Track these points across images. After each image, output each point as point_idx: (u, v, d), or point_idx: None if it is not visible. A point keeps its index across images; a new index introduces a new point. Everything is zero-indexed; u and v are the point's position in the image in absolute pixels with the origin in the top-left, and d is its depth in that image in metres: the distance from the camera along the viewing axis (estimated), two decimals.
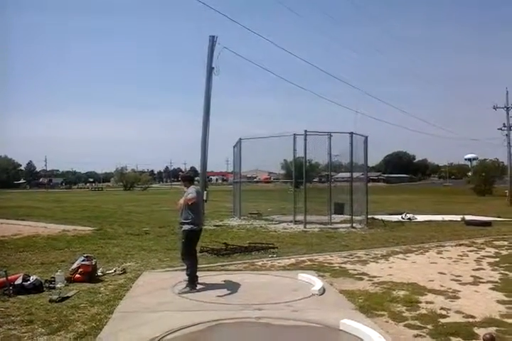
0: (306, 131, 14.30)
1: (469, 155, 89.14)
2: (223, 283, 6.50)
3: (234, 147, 17.49)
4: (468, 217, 15.91)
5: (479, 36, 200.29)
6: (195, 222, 6.26)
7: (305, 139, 14.26)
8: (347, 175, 15.92)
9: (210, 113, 16.02)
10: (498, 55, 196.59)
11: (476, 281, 6.68)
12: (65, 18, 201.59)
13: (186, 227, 6.20)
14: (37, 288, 5.96)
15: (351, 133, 14.59)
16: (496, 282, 6.62)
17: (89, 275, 6.64)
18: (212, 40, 15.86)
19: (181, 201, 6.15)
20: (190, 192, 6.24)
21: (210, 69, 15.56)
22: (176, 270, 7.40)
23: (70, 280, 6.49)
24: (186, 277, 6.21)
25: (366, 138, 15.49)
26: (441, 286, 6.35)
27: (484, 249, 9.86)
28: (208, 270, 7.46)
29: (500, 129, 35.34)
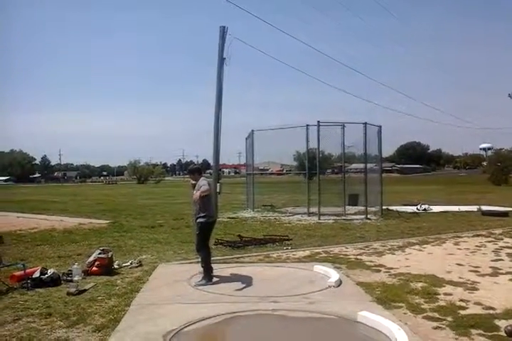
0: (319, 121, 14.17)
1: (484, 145, 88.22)
2: (238, 275, 6.50)
3: (246, 139, 17.44)
4: (484, 207, 15.69)
5: (494, 25, 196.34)
6: (209, 214, 6.26)
7: (318, 130, 14.14)
8: (360, 166, 15.78)
9: (223, 104, 15.96)
10: None
11: (495, 272, 6.58)
12: (65, 11, 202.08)
13: (201, 219, 6.20)
14: (54, 281, 6.01)
15: (365, 124, 14.42)
16: None
17: (106, 268, 6.68)
18: (223, 31, 15.73)
19: (198, 193, 6.12)
20: (203, 184, 6.22)
21: (221, 60, 15.45)
22: (191, 262, 7.42)
23: (86, 273, 6.54)
24: (201, 269, 6.22)
25: (380, 128, 15.33)
26: (460, 278, 6.27)
27: (502, 239, 9.72)
28: (224, 262, 7.47)
29: None
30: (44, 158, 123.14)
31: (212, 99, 15.69)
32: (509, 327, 4.08)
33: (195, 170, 6.65)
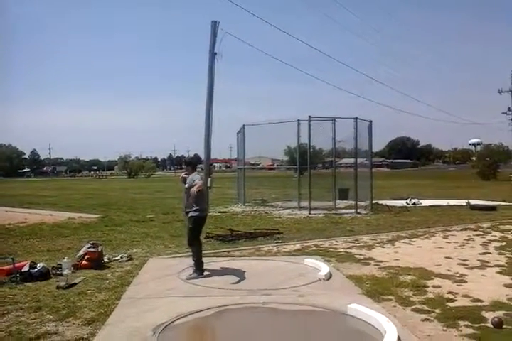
0: (310, 116, 14.20)
1: (473, 140, 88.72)
2: (229, 268, 6.51)
3: (237, 133, 17.40)
4: (473, 202, 15.85)
5: (483, 22, 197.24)
6: (201, 208, 6.27)
7: (309, 125, 14.16)
8: (351, 160, 15.83)
9: (213, 99, 15.88)
10: (503, 40, 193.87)
11: (483, 265, 6.66)
12: (66, 9, 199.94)
13: (193, 214, 6.19)
14: (44, 275, 5.98)
15: (356, 119, 14.47)
16: (503, 266, 6.60)
17: (96, 262, 6.66)
18: (215, 26, 15.63)
19: (194, 189, 6.07)
20: (197, 178, 6.22)
21: (212, 55, 15.36)
22: (182, 256, 7.42)
23: (76, 267, 6.51)
24: (192, 263, 6.22)
25: (370, 123, 15.38)
26: (448, 270, 6.34)
27: (490, 233, 9.84)
28: (214, 256, 7.49)
29: (505, 113, 35.06)
30: (33, 153, 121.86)
31: (204, 94, 15.63)
32: (496, 319, 4.14)
33: (189, 163, 6.65)
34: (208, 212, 7.01)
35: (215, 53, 15.52)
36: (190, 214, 6.23)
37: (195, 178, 6.23)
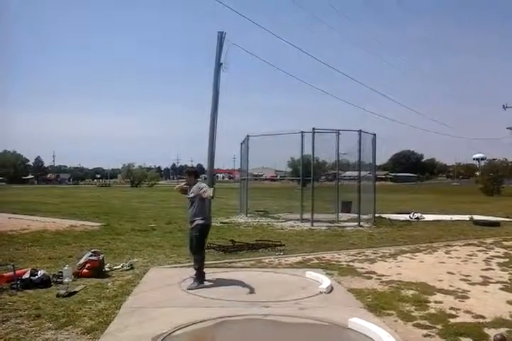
0: (314, 128, 14.24)
1: (477, 155, 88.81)
2: (230, 280, 6.48)
3: (241, 144, 17.46)
4: (476, 217, 15.78)
5: (484, 35, 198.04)
6: (207, 216, 6.34)
7: (313, 137, 14.19)
8: (354, 173, 15.83)
9: (218, 109, 16.01)
10: (508, 54, 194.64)
11: (486, 281, 6.62)
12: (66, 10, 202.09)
13: (200, 221, 6.21)
14: (44, 282, 5.97)
15: (360, 131, 14.49)
16: (506, 282, 6.55)
17: (97, 271, 6.64)
18: (221, 37, 15.84)
19: (205, 195, 6.14)
20: (205, 186, 6.30)
21: (218, 65, 15.52)
22: (183, 266, 7.40)
23: (77, 275, 6.50)
24: (193, 273, 6.20)
25: (374, 136, 15.40)
26: (450, 286, 6.30)
27: (493, 249, 9.77)
28: (215, 266, 7.45)
29: (510, 129, 35.02)
30: (37, 160, 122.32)
31: (209, 103, 15.76)
32: (498, 336, 4.08)
33: (193, 172, 6.67)
34: (211, 222, 7.02)
35: (221, 64, 15.70)
36: (196, 223, 6.23)
37: (202, 186, 6.28)
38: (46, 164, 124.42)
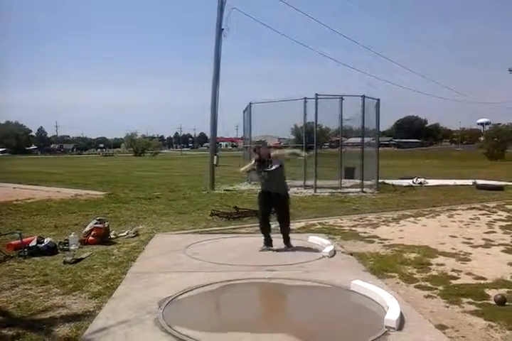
0: (317, 94, 14.03)
1: (482, 120, 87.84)
2: (235, 245, 6.55)
3: (244, 111, 17.29)
4: (479, 182, 15.77)
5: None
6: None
7: (316, 103, 14.01)
8: (357, 140, 15.71)
9: (220, 76, 15.74)
10: None
11: (488, 244, 6.66)
12: None
13: (288, 192, 6.54)
14: (51, 250, 6.05)
15: (363, 96, 14.28)
16: (508, 245, 6.59)
17: (102, 238, 6.72)
18: (221, 1, 15.37)
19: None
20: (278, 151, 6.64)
21: (219, 31, 15.14)
22: (187, 233, 7.48)
23: (83, 242, 6.58)
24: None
25: (378, 101, 15.15)
26: (453, 249, 6.35)
27: (496, 212, 9.81)
28: (221, 232, 7.54)
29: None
30: (40, 130, 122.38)
31: (211, 72, 15.48)
32: (498, 296, 4.15)
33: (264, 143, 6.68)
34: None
35: (222, 29, 15.31)
36: (286, 192, 6.44)
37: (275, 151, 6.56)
38: (49, 134, 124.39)
